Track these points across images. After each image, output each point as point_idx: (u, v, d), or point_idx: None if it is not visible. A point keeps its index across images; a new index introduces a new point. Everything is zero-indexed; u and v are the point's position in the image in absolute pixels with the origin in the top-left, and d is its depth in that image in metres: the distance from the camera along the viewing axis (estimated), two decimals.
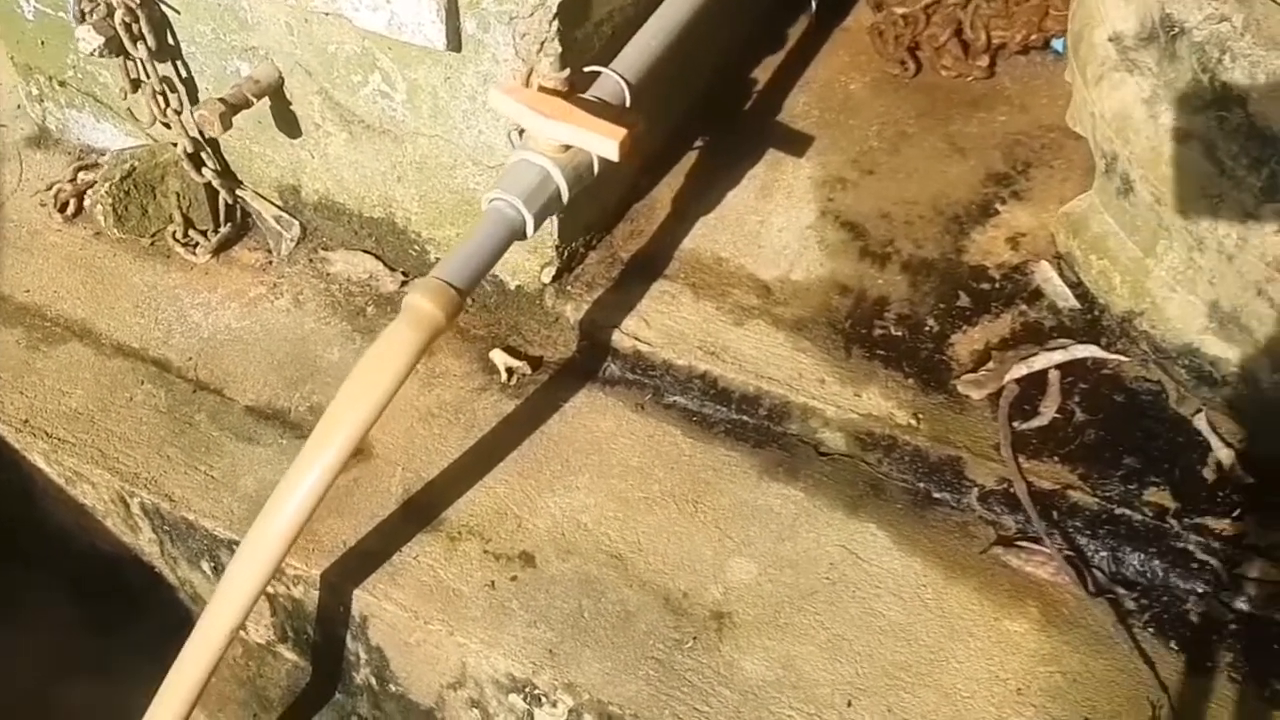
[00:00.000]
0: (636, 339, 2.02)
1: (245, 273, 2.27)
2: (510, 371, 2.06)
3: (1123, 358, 1.93)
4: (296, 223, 2.28)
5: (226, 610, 1.59)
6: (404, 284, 2.22)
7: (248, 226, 2.32)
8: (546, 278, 2.07)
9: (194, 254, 2.26)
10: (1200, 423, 1.86)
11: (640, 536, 1.84)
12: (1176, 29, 1.80)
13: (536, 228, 1.66)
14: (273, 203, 2.29)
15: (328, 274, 2.25)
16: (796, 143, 2.31)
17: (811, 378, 1.95)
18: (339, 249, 2.27)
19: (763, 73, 2.47)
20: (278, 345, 2.14)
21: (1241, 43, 1.72)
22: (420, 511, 1.89)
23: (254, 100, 2.02)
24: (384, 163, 2.08)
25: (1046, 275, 2.07)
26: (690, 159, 2.28)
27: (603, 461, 1.95)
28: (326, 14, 1.88)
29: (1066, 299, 2.03)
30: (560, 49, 1.75)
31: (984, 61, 2.41)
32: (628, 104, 1.80)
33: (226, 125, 1.97)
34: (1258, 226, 1.71)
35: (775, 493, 1.90)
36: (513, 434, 1.99)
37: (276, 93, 2.07)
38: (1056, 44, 2.45)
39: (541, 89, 1.73)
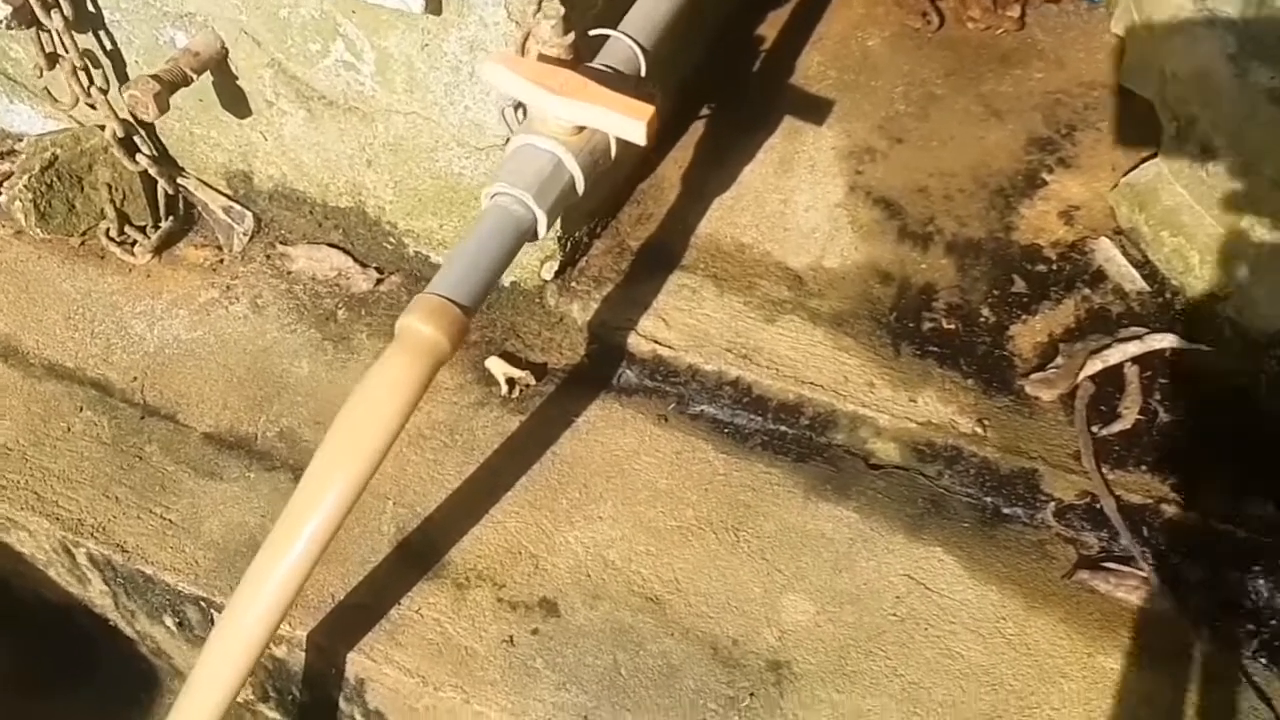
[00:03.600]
0: (656, 341, 1.76)
1: (193, 273, 1.97)
2: (511, 382, 1.79)
3: (1204, 347, 1.72)
4: (249, 214, 1.98)
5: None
6: (379, 282, 1.94)
7: (193, 220, 2.02)
8: (548, 274, 1.80)
9: (132, 254, 1.95)
10: None
11: (678, 574, 1.60)
12: None
13: (550, 226, 1.39)
14: (221, 191, 1.99)
15: (289, 272, 1.96)
16: (815, 109, 2.05)
17: (859, 381, 1.71)
18: (300, 243, 1.98)
19: (769, 29, 2.20)
20: (236, 359, 1.86)
21: None
22: (419, 554, 1.63)
23: (194, 76, 1.71)
24: (351, 144, 1.79)
25: (1109, 254, 1.84)
26: (698, 129, 2.02)
27: (626, 485, 1.70)
28: None
29: (1134, 280, 1.81)
30: (562, 9, 1.47)
31: (1015, 11, 2.17)
32: (643, 72, 1.53)
33: (163, 107, 1.67)
34: None
35: (825, 514, 1.67)
36: (519, 456, 1.73)
37: (220, 66, 1.76)
38: None
39: (543, 57, 1.46)
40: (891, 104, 2.07)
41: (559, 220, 1.71)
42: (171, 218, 1.98)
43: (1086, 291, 1.80)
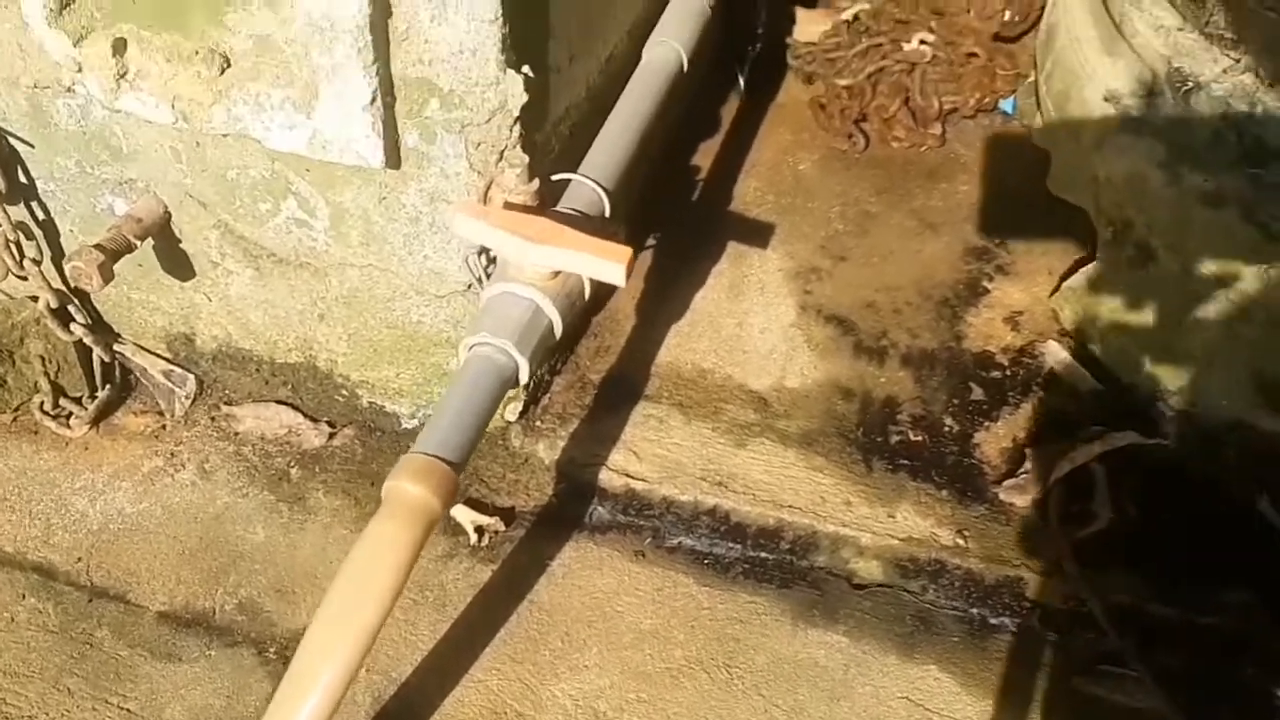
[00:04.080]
0: (628, 475, 1.74)
1: (134, 442, 1.88)
2: (480, 530, 1.74)
3: (1164, 441, 1.75)
4: (191, 376, 1.91)
5: None
6: (331, 436, 1.88)
7: (131, 386, 1.94)
8: (512, 415, 1.77)
9: (68, 427, 1.87)
10: (1265, 507, 1.69)
11: None
12: (1189, 84, 1.65)
13: (532, 373, 1.37)
14: (160, 356, 1.92)
15: (236, 433, 1.89)
16: (757, 233, 2.09)
17: (835, 500, 1.70)
18: (246, 402, 1.91)
19: (703, 158, 2.24)
20: (187, 529, 1.77)
21: (1270, 94, 1.58)
22: None
23: (137, 243, 1.66)
24: (301, 300, 1.75)
25: (1059, 357, 1.88)
26: (646, 259, 2.03)
27: (609, 629, 1.65)
28: (226, 136, 1.55)
29: (1086, 380, 1.85)
30: (526, 156, 1.48)
31: (937, 129, 2.25)
32: (607, 213, 1.54)
33: (108, 277, 1.61)
34: None
35: (816, 641, 1.64)
36: (495, 608, 1.67)
37: (162, 230, 1.72)
38: (1005, 105, 2.31)
39: (509, 205, 1.45)
40: (829, 224, 2.12)
41: None
42: (109, 386, 1.90)
43: (1042, 394, 1.84)
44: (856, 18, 2.37)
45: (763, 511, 1.70)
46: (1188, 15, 1.69)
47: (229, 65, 1.48)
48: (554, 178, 1.50)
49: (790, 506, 1.70)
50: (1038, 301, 1.97)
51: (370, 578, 1.19)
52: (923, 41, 2.25)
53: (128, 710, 1.57)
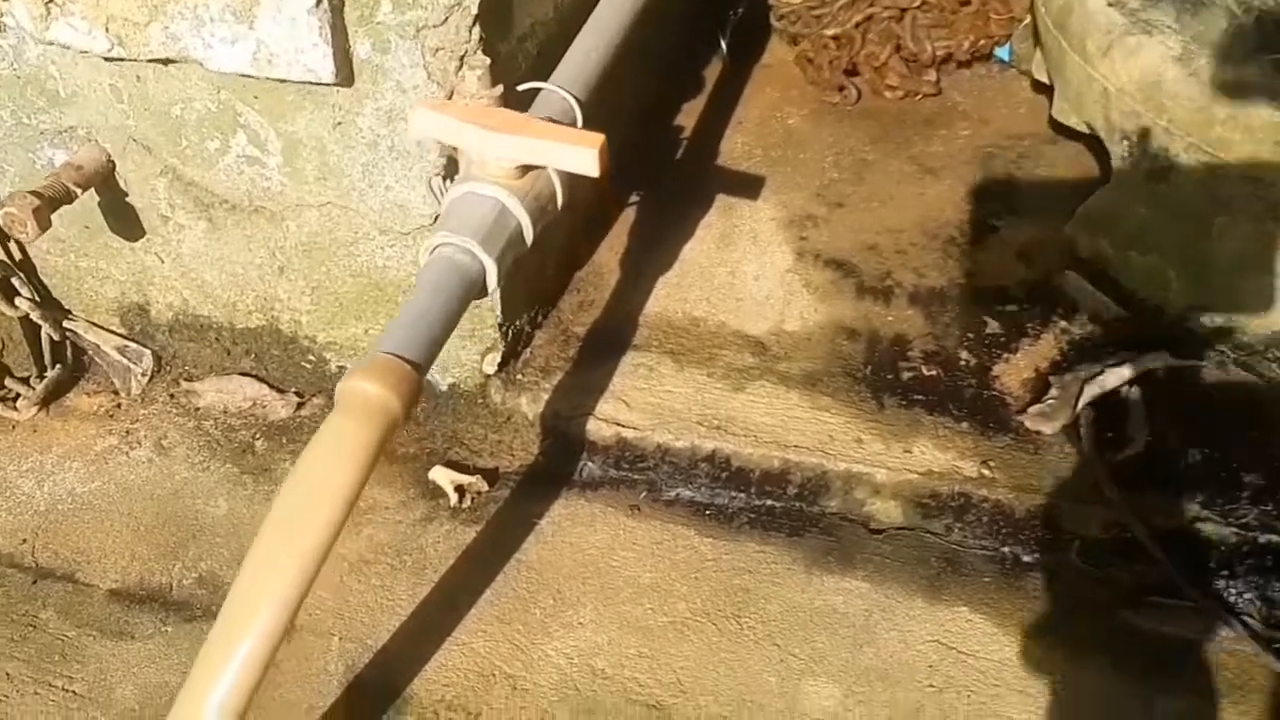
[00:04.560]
0: (618, 424, 1.60)
1: (87, 423, 1.75)
2: (461, 490, 1.60)
3: (1199, 362, 1.61)
4: (147, 352, 1.79)
5: None
6: (300, 406, 1.75)
7: (84, 366, 1.81)
8: (490, 367, 1.63)
9: (15, 409, 1.74)
10: None
11: (679, 674, 1.39)
12: None
13: (500, 279, 1.24)
14: (114, 331, 1.80)
15: (196, 409, 1.75)
16: (746, 185, 1.97)
17: (845, 439, 1.56)
18: (208, 376, 1.78)
19: (687, 118, 2.13)
20: (142, 506, 1.63)
21: None
22: (376, 692, 1.39)
23: (77, 192, 1.54)
24: (259, 252, 1.62)
25: (1078, 285, 1.75)
26: (629, 217, 1.91)
27: (605, 585, 1.50)
28: (167, 63, 1.45)
29: (1109, 307, 1.71)
30: (487, 59, 1.36)
31: (932, 75, 2.14)
32: (579, 125, 1.42)
33: (44, 224, 1.49)
34: None
35: (833, 588, 1.48)
36: (479, 569, 1.53)
37: (106, 182, 1.60)
38: (1001, 52, 2.21)
39: None
40: (824, 173, 2.00)
41: (500, 304, 1.58)
42: (59, 366, 1.78)
43: (1064, 324, 1.70)
44: None
45: (766, 453, 1.55)
46: None
47: None
48: (521, 88, 1.38)
49: (796, 446, 1.55)
50: (1050, 236, 1.83)
51: (321, 483, 1.05)
52: None
53: (73, 692, 1.41)
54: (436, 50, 1.37)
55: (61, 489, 1.65)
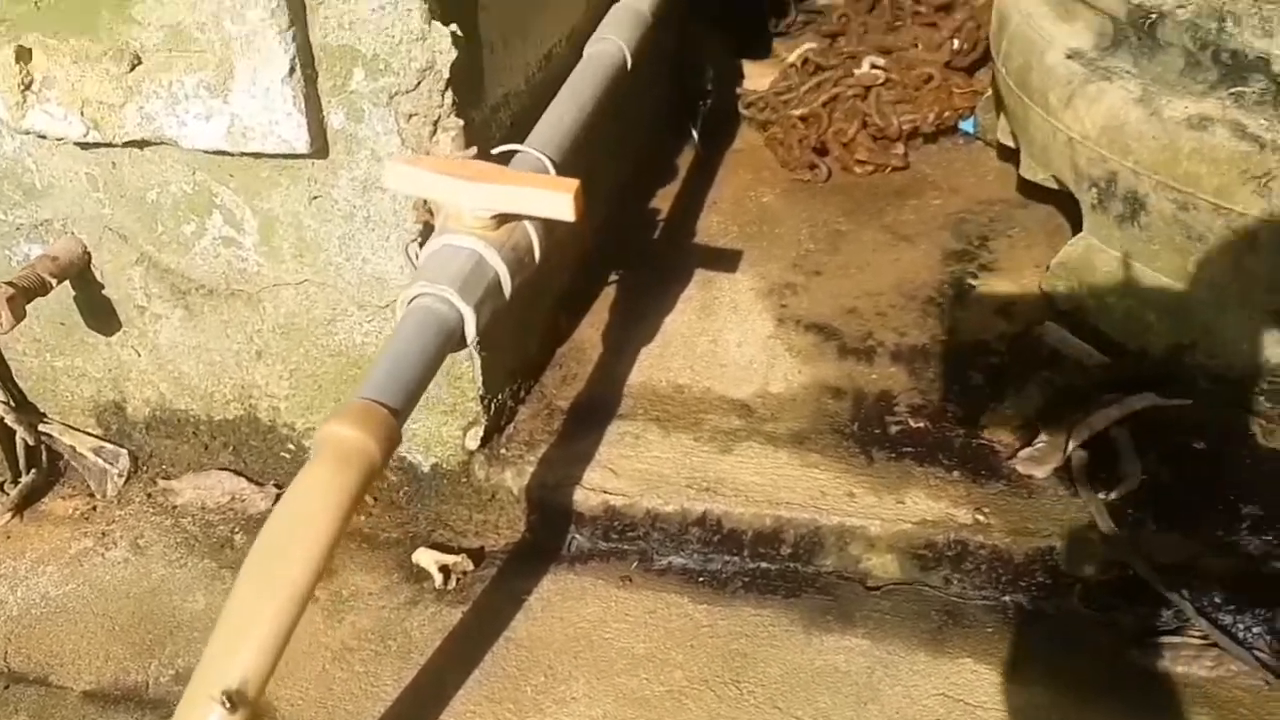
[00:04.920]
0: (606, 492, 1.56)
1: (62, 527, 1.71)
2: (446, 571, 1.56)
3: (1184, 401, 1.60)
4: (124, 452, 1.76)
5: None
6: (279, 498, 1.70)
7: (59, 470, 1.78)
8: (472, 442, 1.61)
9: None
10: None
11: None
12: (1153, 16, 1.58)
13: (478, 330, 1.22)
14: (89, 433, 1.77)
15: (174, 507, 1.72)
16: (723, 259, 1.98)
17: (837, 493, 1.53)
18: (185, 473, 1.75)
19: (662, 201, 2.16)
20: (118, 605, 1.58)
21: (1240, 4, 1.51)
22: None
23: (52, 283, 1.54)
24: (237, 337, 1.61)
25: (1058, 335, 1.75)
26: (609, 295, 1.91)
27: (598, 657, 1.45)
28: (143, 145, 1.46)
29: (1091, 355, 1.71)
30: (460, 121, 1.38)
31: (900, 149, 2.18)
32: None
33: (19, 315, 1.48)
34: None
35: (833, 647, 1.44)
36: (467, 650, 1.47)
37: (82, 273, 1.60)
38: (965, 124, 2.26)
39: None
40: (800, 245, 2.02)
41: (481, 375, 1.56)
42: (34, 471, 1.74)
43: (1047, 373, 1.69)
44: (805, 60, 2.34)
45: (758, 512, 1.52)
46: None
47: (139, 63, 1.39)
48: (495, 150, 1.39)
49: (788, 503, 1.52)
50: (1028, 292, 1.85)
51: (299, 529, 1.02)
52: (874, 65, 2.21)
53: None
54: (410, 116, 1.39)
55: (35, 593, 1.60)
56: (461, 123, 1.38)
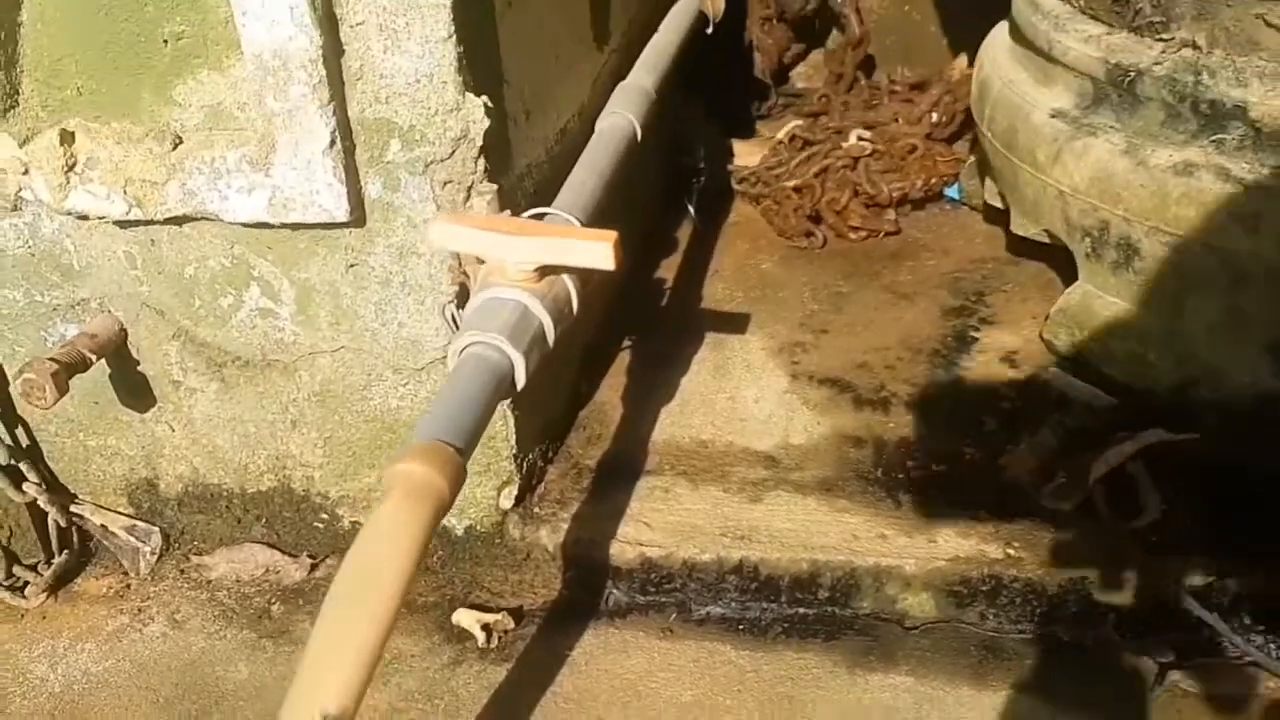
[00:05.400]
0: (641, 545, 1.59)
1: (97, 605, 1.71)
2: (488, 630, 1.57)
3: (1192, 435, 1.66)
4: (156, 530, 1.77)
5: None
6: (313, 568, 1.72)
7: (90, 551, 1.78)
8: (506, 502, 1.64)
9: (23, 597, 1.69)
10: None
11: None
12: (1132, 73, 1.68)
13: (528, 375, 1.27)
14: (121, 512, 1.78)
15: (208, 581, 1.72)
16: (732, 322, 2.04)
17: (869, 536, 1.57)
18: (218, 548, 1.76)
19: (666, 271, 2.23)
20: (159, 679, 1.57)
21: (1214, 57, 1.62)
22: None
23: (92, 359, 1.57)
24: (272, 408, 1.64)
25: (1065, 381, 1.82)
26: (624, 359, 1.96)
27: (646, 708, 1.46)
28: (182, 222, 1.50)
29: (1098, 397, 1.78)
30: (494, 185, 1.44)
31: (892, 215, 2.27)
32: None
33: (62, 389, 1.51)
34: None
35: (878, 685, 1.46)
36: (515, 706, 1.49)
37: (118, 351, 1.63)
38: (950, 191, 2.35)
39: None
40: (804, 306, 2.08)
41: (515, 434, 1.60)
42: (66, 552, 1.75)
43: (1059, 417, 1.75)
44: (793, 136, 2.44)
45: (794, 557, 1.56)
46: (1113, 20, 1.76)
47: (181, 142, 1.45)
48: (525, 215, 1.45)
49: (822, 547, 1.56)
50: (1030, 341, 1.92)
51: (378, 561, 1.04)
52: (860, 137, 2.31)
53: None
54: (445, 183, 1.44)
55: (75, 670, 1.60)
56: (496, 187, 1.44)
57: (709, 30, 2.29)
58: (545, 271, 1.31)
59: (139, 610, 1.69)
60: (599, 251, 1.28)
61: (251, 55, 1.36)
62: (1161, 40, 1.68)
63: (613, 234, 1.29)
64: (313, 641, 1.02)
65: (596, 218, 1.50)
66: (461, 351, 1.26)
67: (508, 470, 1.62)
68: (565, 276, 1.33)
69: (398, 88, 1.39)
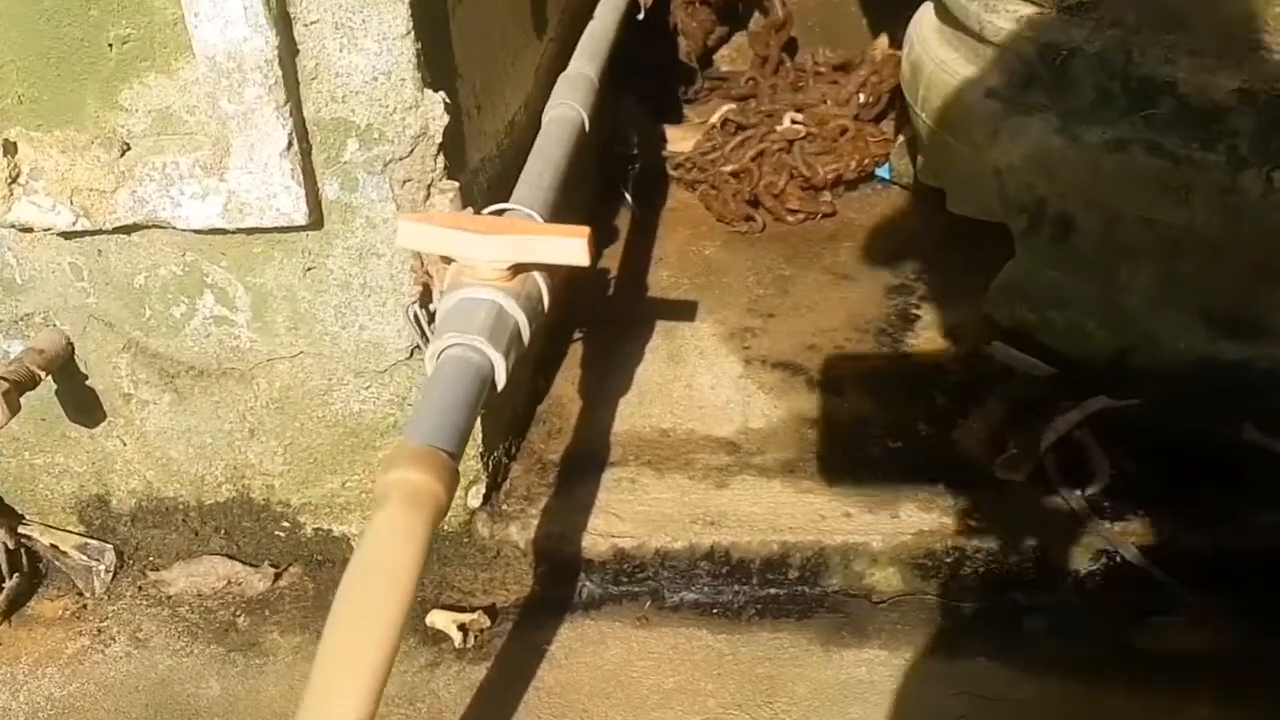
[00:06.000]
0: (613, 536, 1.60)
1: (53, 628, 1.65)
2: (464, 629, 1.57)
3: (1133, 401, 1.73)
4: (109, 547, 1.72)
5: None
6: (277, 577, 1.70)
7: (40, 573, 1.73)
8: (474, 500, 1.63)
9: None
10: (1252, 434, 1.66)
11: None
12: (1063, 53, 1.74)
13: (507, 375, 1.27)
14: (72, 531, 1.73)
15: (168, 597, 1.68)
16: (681, 310, 2.06)
17: (835, 515, 1.60)
18: (175, 563, 1.72)
19: (610, 261, 2.23)
20: (129, 701, 1.54)
21: (1142, 35, 1.68)
22: None
23: (41, 375, 1.52)
24: (229, 417, 1.61)
25: (1006, 353, 1.87)
26: (577, 352, 1.96)
27: (630, 696, 1.48)
28: (131, 231, 1.46)
29: (1040, 368, 1.83)
30: (455, 183, 1.43)
31: (828, 196, 2.31)
32: None
33: (14, 408, 1.46)
34: (1241, 201, 1.59)
35: (853, 660, 1.50)
36: (498, 704, 1.49)
37: (64, 368, 1.58)
38: (880, 171, 2.40)
39: None
40: (750, 290, 2.11)
41: (482, 434, 1.59)
42: (16, 575, 1.69)
43: (1004, 388, 1.81)
44: (725, 121, 2.46)
45: (764, 539, 1.58)
46: (1043, 1, 1.81)
47: (129, 149, 1.41)
48: (485, 211, 1.44)
49: (791, 528, 1.59)
50: (970, 316, 1.97)
51: (380, 572, 1.03)
52: (793, 120, 2.34)
53: None
54: (405, 182, 1.43)
55: (39, 696, 1.55)
56: (457, 184, 1.43)
57: (640, 16, 2.30)
58: (517, 270, 1.31)
59: (99, 631, 1.64)
60: (572, 248, 1.28)
61: (204, 57, 1.32)
62: (1091, 19, 1.73)
63: (585, 229, 1.29)
64: (322, 655, 1.01)
65: (557, 212, 1.50)
66: (440, 354, 1.25)
67: (475, 469, 1.62)
68: (536, 274, 1.33)
69: (355, 86, 1.37)
